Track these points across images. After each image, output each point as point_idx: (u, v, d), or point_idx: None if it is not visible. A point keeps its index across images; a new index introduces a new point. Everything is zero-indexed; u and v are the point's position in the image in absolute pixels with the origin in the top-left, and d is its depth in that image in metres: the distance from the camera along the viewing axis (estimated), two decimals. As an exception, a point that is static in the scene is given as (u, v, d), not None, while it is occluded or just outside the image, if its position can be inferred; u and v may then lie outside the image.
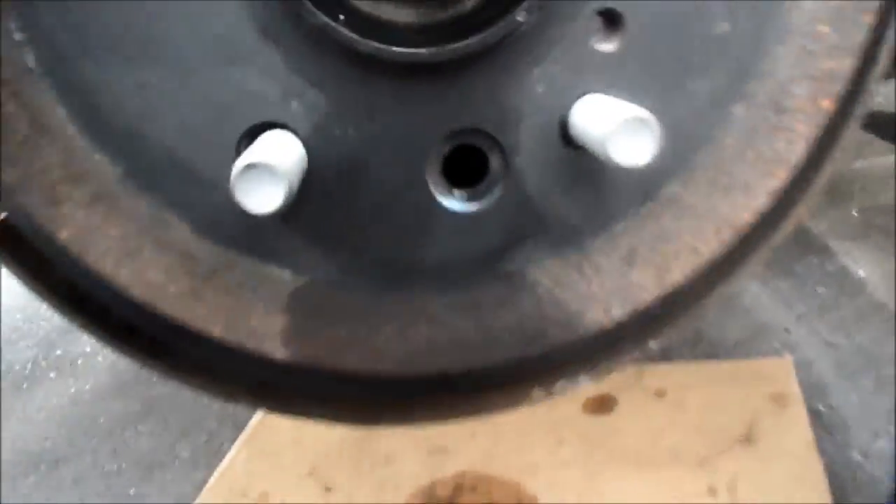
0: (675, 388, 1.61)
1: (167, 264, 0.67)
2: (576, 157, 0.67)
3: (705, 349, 1.76)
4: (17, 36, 0.60)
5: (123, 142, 0.64)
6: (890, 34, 0.67)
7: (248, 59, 0.62)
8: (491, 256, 0.70)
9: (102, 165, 0.64)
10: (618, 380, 1.73)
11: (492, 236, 0.69)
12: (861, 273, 1.75)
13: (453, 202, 0.68)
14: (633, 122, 0.58)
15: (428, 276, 0.70)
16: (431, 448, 1.59)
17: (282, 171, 0.56)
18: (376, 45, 0.59)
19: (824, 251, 1.81)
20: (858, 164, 2.02)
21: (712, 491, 1.37)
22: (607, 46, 0.65)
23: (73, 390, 2.08)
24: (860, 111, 0.69)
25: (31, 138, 0.63)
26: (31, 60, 0.61)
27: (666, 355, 1.74)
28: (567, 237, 0.70)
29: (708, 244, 0.72)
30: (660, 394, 1.61)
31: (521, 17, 0.60)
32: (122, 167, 0.64)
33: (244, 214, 0.65)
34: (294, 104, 0.63)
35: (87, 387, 2.08)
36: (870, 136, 1.82)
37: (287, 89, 0.63)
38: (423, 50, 0.60)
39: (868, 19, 0.66)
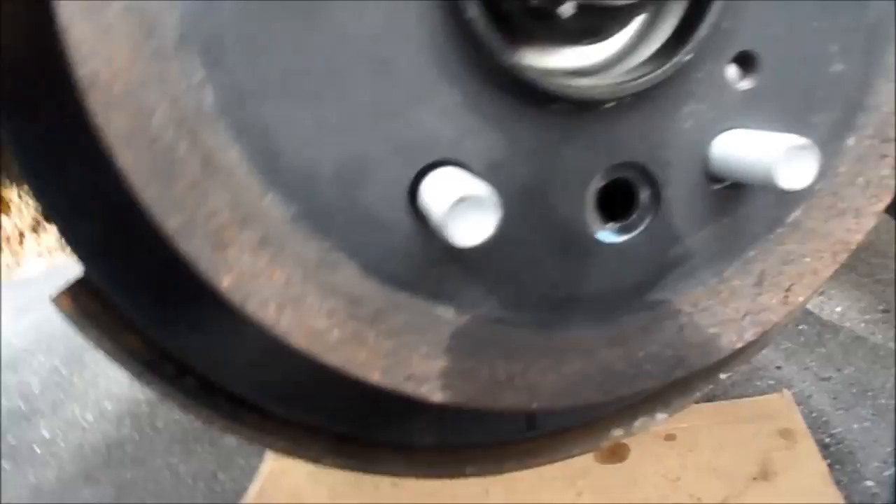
0: (685, 432, 1.64)
1: (331, 308, 0.65)
2: (716, 190, 0.72)
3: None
4: (198, 74, 0.58)
5: (297, 182, 0.62)
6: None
7: (428, 98, 0.62)
8: (640, 287, 0.72)
9: (273, 207, 0.62)
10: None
11: (641, 267, 0.72)
12: (838, 309, 1.88)
13: (608, 235, 0.70)
14: (798, 149, 0.63)
15: (583, 308, 0.71)
16: (443, 508, 1.55)
17: (490, 202, 0.57)
18: (560, 81, 0.62)
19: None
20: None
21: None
22: (745, 84, 0.70)
23: (33, 480, 1.88)
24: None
25: (202, 181, 0.60)
26: (208, 100, 0.59)
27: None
28: (707, 265, 0.74)
29: (825, 265, 0.77)
30: (670, 438, 1.64)
31: (687, 58, 0.64)
32: (294, 208, 0.62)
33: (417, 253, 0.65)
34: (469, 142, 0.64)
35: (51, 476, 1.89)
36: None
37: (464, 128, 0.64)
38: (601, 86, 0.63)
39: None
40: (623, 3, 0.58)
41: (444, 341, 0.68)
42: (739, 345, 0.77)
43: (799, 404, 1.59)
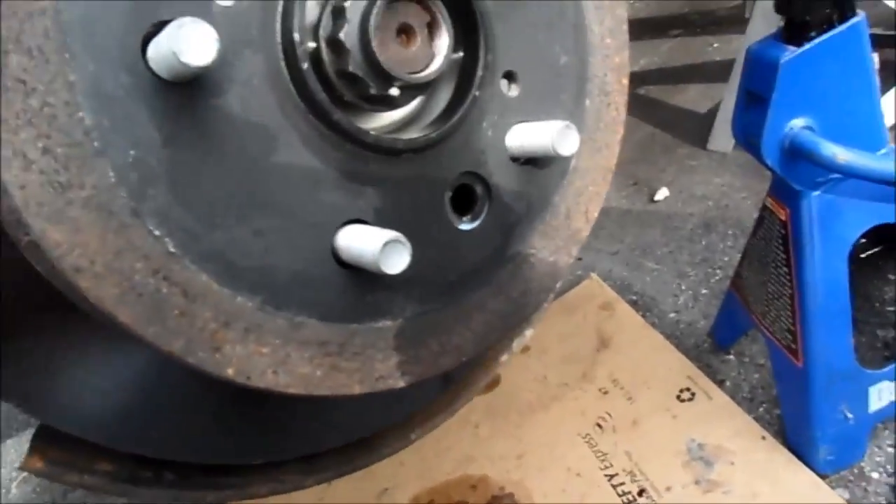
0: (534, 340, 1.90)
1: (310, 356, 0.86)
2: (521, 167, 1.02)
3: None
4: (157, 232, 0.75)
5: (255, 279, 0.81)
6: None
7: (321, 183, 0.84)
8: (499, 249, 1.02)
9: (244, 303, 0.81)
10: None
11: (496, 236, 1.01)
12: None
13: (466, 224, 0.98)
14: (565, 127, 0.94)
15: (469, 278, 0.99)
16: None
17: (403, 239, 0.81)
18: (406, 137, 0.87)
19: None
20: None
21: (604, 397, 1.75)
22: (514, 92, 1.00)
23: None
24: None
25: (187, 308, 0.78)
26: (171, 246, 0.76)
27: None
28: (535, 217, 1.04)
29: (602, 186, 1.12)
30: (525, 350, 1.91)
31: (477, 93, 0.92)
32: (259, 298, 0.82)
33: (351, 293, 0.88)
34: (360, 202, 0.87)
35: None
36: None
37: (351, 194, 0.86)
38: (432, 134, 0.89)
39: (626, 27, 1.11)
40: (427, 79, 0.84)
41: (391, 344, 0.92)
42: (571, 260, 1.10)
43: (606, 280, 2.01)
